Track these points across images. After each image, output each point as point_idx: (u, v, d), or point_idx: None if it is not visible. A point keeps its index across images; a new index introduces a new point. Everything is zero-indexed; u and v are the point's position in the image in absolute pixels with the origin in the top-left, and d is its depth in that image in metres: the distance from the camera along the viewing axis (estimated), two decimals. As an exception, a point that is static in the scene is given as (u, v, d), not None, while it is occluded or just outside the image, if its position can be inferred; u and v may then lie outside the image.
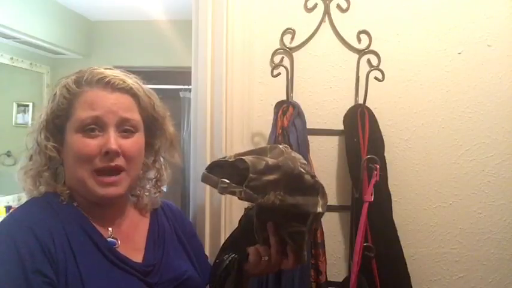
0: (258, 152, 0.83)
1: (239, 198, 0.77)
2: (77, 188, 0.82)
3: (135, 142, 0.84)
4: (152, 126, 0.90)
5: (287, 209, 0.78)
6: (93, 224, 0.82)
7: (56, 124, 0.82)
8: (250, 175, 0.75)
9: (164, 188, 0.98)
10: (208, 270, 1.01)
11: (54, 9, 3.30)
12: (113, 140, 0.79)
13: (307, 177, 0.80)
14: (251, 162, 0.76)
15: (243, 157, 0.78)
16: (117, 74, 0.84)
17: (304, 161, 0.84)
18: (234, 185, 0.77)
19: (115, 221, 0.88)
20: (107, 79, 0.82)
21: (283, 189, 0.78)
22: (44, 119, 0.82)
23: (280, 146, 0.85)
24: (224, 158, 0.83)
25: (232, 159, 0.80)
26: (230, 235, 0.98)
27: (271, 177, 0.76)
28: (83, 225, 0.80)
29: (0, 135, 3.26)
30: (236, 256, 0.92)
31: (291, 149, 1.24)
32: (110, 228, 0.85)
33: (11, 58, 3.15)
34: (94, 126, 0.79)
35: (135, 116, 0.85)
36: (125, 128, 0.82)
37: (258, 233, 0.87)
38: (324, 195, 0.82)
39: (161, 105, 0.92)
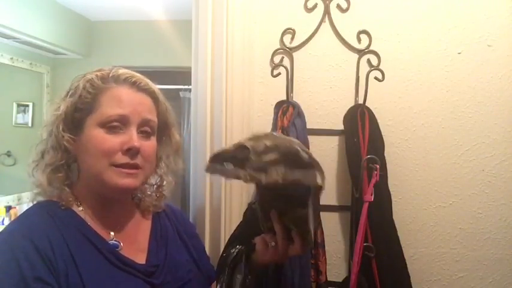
0: (254, 138, 0.86)
1: (245, 181, 0.81)
2: (92, 183, 0.82)
3: (152, 144, 0.86)
4: (160, 131, 0.91)
5: (289, 187, 0.82)
6: (92, 228, 0.82)
7: (75, 117, 0.82)
8: (251, 157, 0.80)
9: (166, 193, 0.98)
10: (210, 271, 1.01)
11: (54, 9, 3.30)
12: (135, 137, 0.81)
13: (303, 154, 0.83)
14: (251, 146, 0.81)
15: (243, 142, 0.82)
16: (142, 76, 0.87)
17: (298, 141, 0.87)
18: (238, 168, 0.82)
19: (118, 223, 0.88)
20: (134, 79, 0.84)
21: (284, 167, 0.81)
22: (63, 111, 0.81)
23: (274, 133, 0.89)
24: (223, 148, 0.87)
25: (232, 148, 0.84)
26: (235, 229, 1.00)
27: (271, 156, 0.80)
28: (82, 231, 0.80)
29: (0, 135, 3.26)
30: (243, 247, 0.93)
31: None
32: (112, 232, 0.85)
33: (11, 58, 3.15)
34: (117, 124, 0.80)
35: (155, 118, 0.87)
36: (144, 129, 0.84)
37: (262, 222, 0.90)
38: (320, 169, 0.85)
39: (172, 111, 0.94)
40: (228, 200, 1.30)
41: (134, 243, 0.89)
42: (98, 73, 0.84)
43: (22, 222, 0.79)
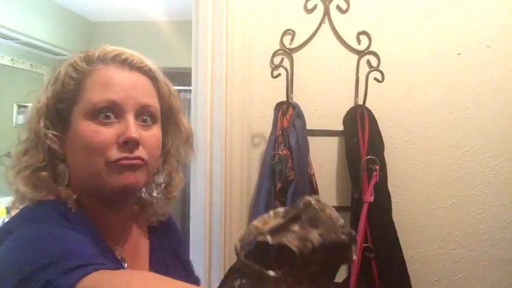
0: (294, 217, 0.76)
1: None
2: (88, 186, 0.67)
3: (155, 134, 0.70)
4: (166, 119, 0.75)
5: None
6: (105, 240, 0.68)
7: (59, 109, 0.68)
8: (297, 261, 0.72)
9: (176, 193, 0.81)
10: (197, 280, 0.89)
11: (55, 10, 3.31)
12: (133, 127, 0.65)
13: (345, 238, 0.77)
14: (298, 249, 0.72)
15: (288, 243, 0.73)
16: (135, 52, 0.72)
17: (341, 220, 0.80)
18: (280, 273, 0.74)
19: (121, 236, 0.74)
20: (125, 56, 0.69)
21: (326, 260, 0.75)
22: (44, 103, 0.67)
23: (312, 201, 0.78)
24: (259, 235, 0.77)
25: (274, 243, 0.75)
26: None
27: (315, 257, 0.73)
28: (97, 241, 0.66)
29: (1, 136, 3.25)
30: (245, 282, 0.85)
31: (290, 151, 1.25)
32: (117, 246, 0.72)
33: (12, 59, 3.16)
34: (109, 113, 0.65)
35: (155, 103, 0.71)
36: (143, 117, 0.69)
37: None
38: (355, 242, 0.79)
39: (177, 94, 0.78)
40: (228, 200, 1.30)
41: (136, 262, 0.76)
42: (82, 55, 0.70)
43: (36, 231, 0.60)
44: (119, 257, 0.70)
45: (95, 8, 3.46)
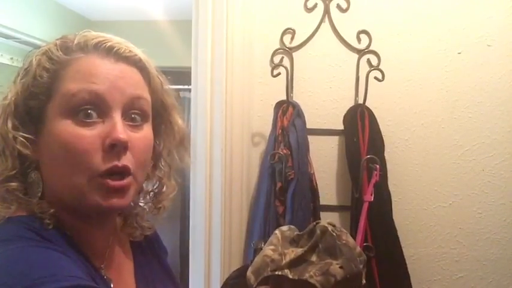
0: (312, 246, 0.75)
1: None
2: (67, 200, 0.57)
3: (145, 136, 0.60)
4: (157, 117, 0.65)
5: None
6: (90, 259, 0.60)
7: (30, 107, 0.57)
8: None
9: (166, 202, 0.71)
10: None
11: (54, 9, 3.31)
12: (121, 127, 0.55)
13: (362, 268, 0.77)
14: (321, 285, 0.71)
15: (311, 280, 0.71)
16: (121, 41, 0.61)
17: (358, 248, 0.78)
18: None
19: (104, 253, 0.65)
20: (109, 44, 0.59)
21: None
22: (12, 100, 0.56)
23: (329, 228, 0.76)
24: (277, 268, 0.74)
25: (295, 278, 0.72)
26: (236, 271, 0.91)
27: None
28: (82, 262, 0.57)
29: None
30: None
31: (290, 150, 1.25)
32: (102, 265, 0.63)
33: (11, 58, 3.15)
34: (91, 110, 0.54)
35: (147, 95, 0.61)
36: (132, 115, 0.58)
37: None
38: (364, 265, 0.79)
39: (170, 89, 0.68)
40: (228, 201, 1.30)
41: (121, 280, 0.67)
42: (58, 41, 0.59)
43: (13, 252, 0.51)
44: (105, 277, 0.61)
45: (95, 7, 3.45)
